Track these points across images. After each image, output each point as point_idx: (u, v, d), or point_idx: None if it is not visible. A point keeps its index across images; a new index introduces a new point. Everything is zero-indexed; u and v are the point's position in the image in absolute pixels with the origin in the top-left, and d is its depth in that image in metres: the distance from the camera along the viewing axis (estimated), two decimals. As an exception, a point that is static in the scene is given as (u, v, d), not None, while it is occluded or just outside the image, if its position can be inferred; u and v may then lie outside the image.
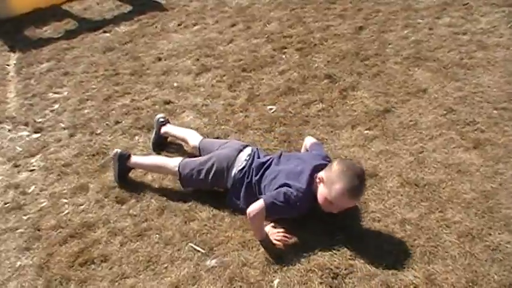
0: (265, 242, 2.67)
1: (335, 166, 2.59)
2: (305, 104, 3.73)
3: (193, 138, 3.31)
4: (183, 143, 3.47)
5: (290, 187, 2.64)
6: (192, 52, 4.70)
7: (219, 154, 3.04)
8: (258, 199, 2.71)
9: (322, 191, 2.61)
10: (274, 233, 2.69)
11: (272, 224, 2.75)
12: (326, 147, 3.23)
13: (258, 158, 2.95)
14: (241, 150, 3.01)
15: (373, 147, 3.24)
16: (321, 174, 2.63)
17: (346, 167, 2.57)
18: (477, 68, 3.86)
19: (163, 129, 3.48)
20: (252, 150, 3.01)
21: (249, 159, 2.94)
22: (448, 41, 4.25)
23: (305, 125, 3.51)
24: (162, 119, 3.53)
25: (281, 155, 2.95)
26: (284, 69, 4.20)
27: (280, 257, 2.62)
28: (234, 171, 2.92)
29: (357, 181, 2.53)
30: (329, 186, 2.56)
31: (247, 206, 2.69)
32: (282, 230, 2.71)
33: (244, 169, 2.90)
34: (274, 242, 2.66)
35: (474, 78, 3.75)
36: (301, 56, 4.35)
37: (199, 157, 3.11)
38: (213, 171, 2.95)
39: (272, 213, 2.66)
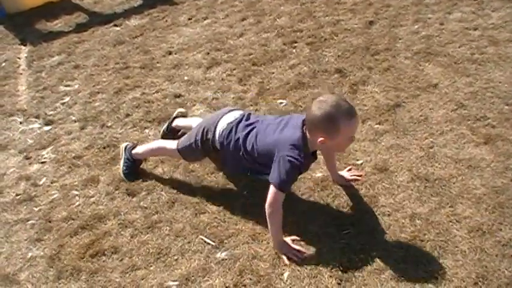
0: (279, 248, 2.62)
1: (316, 116, 2.44)
2: (315, 98, 3.71)
3: (196, 122, 3.28)
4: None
5: (290, 155, 2.51)
6: (202, 46, 4.71)
7: (209, 115, 3.05)
8: (245, 159, 2.70)
9: (333, 145, 2.53)
10: (290, 248, 2.62)
11: (293, 238, 2.68)
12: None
13: (248, 117, 2.86)
14: (231, 111, 2.95)
15: (384, 142, 3.24)
16: (314, 137, 2.50)
17: (324, 109, 2.42)
18: (488, 63, 3.84)
19: (175, 122, 3.50)
20: (243, 111, 2.94)
21: (239, 117, 2.86)
22: (459, 36, 4.23)
23: (315, 119, 3.51)
24: (180, 113, 3.55)
25: (267, 117, 2.89)
26: (294, 63, 4.20)
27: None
28: (221, 125, 2.83)
29: (341, 103, 2.44)
30: (333, 136, 2.44)
31: (235, 168, 2.72)
32: (298, 247, 2.62)
33: (232, 124, 2.81)
34: (289, 255, 2.59)
35: (485, 74, 3.73)
36: (312, 50, 4.35)
37: None
38: (201, 131, 2.89)
39: (286, 188, 2.55)
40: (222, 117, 2.88)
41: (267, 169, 2.58)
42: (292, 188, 2.93)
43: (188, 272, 2.60)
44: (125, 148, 3.32)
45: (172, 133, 3.51)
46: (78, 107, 4.10)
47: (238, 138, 2.75)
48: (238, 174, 3.10)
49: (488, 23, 4.35)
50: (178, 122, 3.49)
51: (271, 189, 2.55)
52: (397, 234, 2.63)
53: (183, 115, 3.59)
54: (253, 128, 2.75)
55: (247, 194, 3.01)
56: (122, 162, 3.30)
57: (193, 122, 3.35)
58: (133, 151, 3.28)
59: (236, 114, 2.89)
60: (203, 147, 2.91)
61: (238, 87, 4.01)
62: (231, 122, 2.83)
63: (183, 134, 3.33)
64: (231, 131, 2.79)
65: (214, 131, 2.84)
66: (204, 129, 2.89)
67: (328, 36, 4.51)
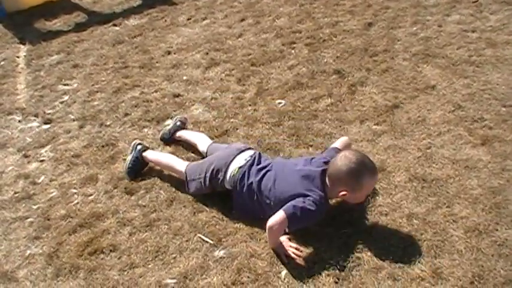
0: (277, 249, 2.63)
1: (341, 171, 2.55)
2: (314, 98, 3.74)
3: (202, 144, 3.29)
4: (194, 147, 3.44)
5: (307, 195, 2.57)
6: (201, 46, 4.72)
7: (220, 153, 3.04)
8: (259, 203, 2.74)
9: (353, 198, 2.62)
10: (288, 246, 2.63)
11: (288, 236, 2.69)
12: (335, 141, 3.23)
13: (259, 161, 2.89)
14: (242, 151, 2.98)
15: (381, 142, 3.26)
16: (336, 188, 2.59)
17: (350, 164, 2.53)
18: (486, 65, 3.86)
19: (178, 134, 3.48)
20: (254, 152, 2.97)
21: (250, 159, 2.89)
22: (457, 38, 4.25)
23: (314, 120, 3.52)
24: (179, 123, 3.52)
25: (284, 160, 2.96)
26: (293, 64, 4.22)
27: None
28: (232, 169, 2.87)
29: (366, 162, 2.57)
30: (355, 190, 2.56)
31: (243, 211, 2.79)
32: (295, 245, 2.64)
33: (244, 168, 2.85)
34: (287, 253, 2.60)
35: (483, 76, 3.75)
36: (310, 51, 4.36)
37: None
38: (211, 169, 2.92)
39: (293, 224, 2.58)
40: (233, 159, 2.91)
41: None
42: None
43: (186, 270, 2.61)
44: (136, 147, 3.31)
45: (172, 142, 3.50)
46: (77, 106, 4.11)
47: (251, 183, 2.78)
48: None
49: (486, 25, 4.37)
50: (181, 135, 3.48)
51: (281, 213, 2.54)
52: (395, 234, 2.65)
53: (185, 125, 3.55)
54: (267, 171, 2.79)
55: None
56: (129, 158, 3.30)
57: (197, 139, 3.35)
58: (144, 154, 3.29)
59: (246, 156, 2.92)
60: (211, 184, 2.94)
61: (237, 87, 4.02)
62: (242, 166, 2.86)
63: (186, 145, 3.38)
64: (243, 176, 2.82)
65: (225, 174, 2.88)
66: (214, 169, 2.92)
67: (326, 37, 4.52)
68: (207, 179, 2.92)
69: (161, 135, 3.55)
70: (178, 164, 3.15)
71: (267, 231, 2.60)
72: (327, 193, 2.64)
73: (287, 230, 2.62)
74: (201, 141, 3.32)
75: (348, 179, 2.53)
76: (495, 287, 2.33)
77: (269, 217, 2.57)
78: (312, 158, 2.81)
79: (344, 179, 2.54)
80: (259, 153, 2.97)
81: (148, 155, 3.29)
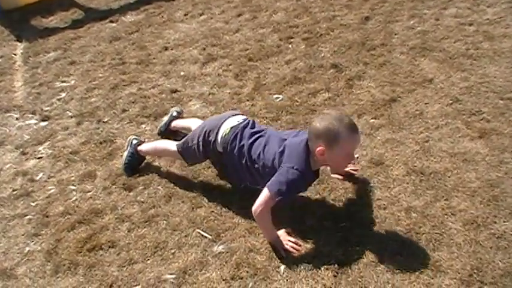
0: (275, 244, 2.63)
1: (318, 128, 2.49)
2: (311, 93, 3.74)
3: (196, 125, 3.29)
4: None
5: (291, 165, 2.54)
6: (199, 42, 4.71)
7: (212, 117, 3.06)
8: (247, 167, 2.71)
9: (332, 159, 2.54)
10: (286, 240, 2.63)
11: (286, 230, 2.69)
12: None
13: (253, 126, 2.86)
14: (235, 115, 2.95)
15: (379, 136, 3.26)
16: (314, 148, 2.52)
17: (326, 121, 2.47)
18: (483, 58, 3.86)
19: (173, 124, 3.50)
20: (247, 118, 2.93)
21: (243, 122, 2.86)
22: (454, 32, 4.24)
23: (311, 114, 3.52)
24: (175, 113, 3.55)
25: (275, 130, 2.90)
26: (290, 58, 4.21)
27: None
28: (224, 128, 2.83)
29: (344, 118, 2.50)
30: (332, 147, 2.46)
31: (232, 176, 2.77)
32: (294, 239, 2.64)
33: (237, 129, 2.80)
34: (285, 248, 2.60)
35: (480, 69, 3.75)
36: (308, 45, 4.36)
37: None
38: (203, 132, 2.89)
39: (283, 197, 2.53)
40: (225, 120, 2.88)
41: (266, 181, 2.59)
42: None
43: (185, 265, 2.62)
44: (131, 142, 3.32)
45: (168, 133, 3.51)
46: (74, 102, 4.10)
47: (243, 146, 2.75)
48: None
49: (483, 18, 4.37)
50: (176, 124, 3.49)
51: (264, 193, 2.55)
52: (393, 227, 2.65)
53: (180, 115, 3.58)
54: (260, 137, 2.77)
55: (243, 188, 3.01)
56: (125, 154, 3.30)
57: (192, 123, 3.35)
58: (139, 148, 3.29)
59: (240, 119, 2.90)
60: (204, 149, 2.91)
61: (235, 83, 4.02)
62: (235, 126, 2.83)
63: (182, 133, 3.34)
64: (235, 136, 2.79)
65: (217, 134, 2.84)
66: (206, 131, 2.89)
67: (324, 32, 4.52)
68: (200, 143, 2.90)
69: (158, 129, 3.55)
70: (173, 145, 3.12)
71: (256, 219, 2.61)
72: (310, 161, 2.58)
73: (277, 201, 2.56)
74: (195, 123, 3.28)
75: (324, 134, 2.46)
76: (493, 279, 2.33)
77: (252, 183, 2.65)
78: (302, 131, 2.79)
79: (321, 134, 2.47)
80: (253, 121, 2.95)
81: (143, 147, 3.28)
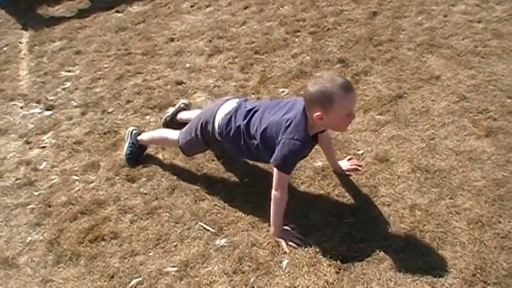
0: (278, 237, 2.62)
1: (311, 93, 2.41)
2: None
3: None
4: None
5: (290, 136, 2.49)
6: (205, 33, 4.68)
7: (207, 107, 3.04)
8: (247, 146, 2.70)
9: (331, 122, 2.48)
10: (289, 235, 2.62)
11: (289, 225, 2.68)
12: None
13: (246, 105, 2.83)
14: (228, 100, 2.92)
15: (385, 132, 3.24)
16: (312, 114, 2.45)
17: (318, 85, 2.39)
18: (491, 56, 3.82)
19: (179, 115, 3.48)
20: (240, 100, 2.90)
21: (236, 105, 2.83)
22: (463, 29, 4.20)
23: (317, 109, 3.50)
24: (183, 105, 3.53)
25: (270, 101, 2.87)
26: (297, 52, 4.19)
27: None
28: (219, 117, 2.81)
29: (336, 78, 2.41)
30: (328, 110, 2.39)
31: (236, 156, 2.78)
32: (297, 234, 2.63)
33: (230, 114, 2.78)
34: (288, 242, 2.60)
35: (488, 67, 3.72)
36: (314, 39, 4.33)
37: None
38: (200, 124, 2.88)
39: (288, 169, 2.54)
40: (219, 108, 2.86)
41: (269, 156, 2.56)
42: (292, 177, 2.94)
43: (187, 258, 2.61)
44: (131, 132, 3.32)
45: (173, 124, 3.49)
46: (79, 92, 4.09)
47: (239, 126, 2.72)
48: (239, 163, 3.10)
49: (492, 15, 4.33)
50: (182, 115, 3.48)
51: (275, 172, 2.55)
52: (397, 225, 2.63)
53: (187, 107, 3.56)
54: (255, 112, 2.72)
55: (247, 182, 3.01)
56: (126, 145, 3.29)
57: (194, 114, 3.33)
58: (139, 137, 3.29)
59: (233, 103, 2.86)
60: (204, 140, 2.90)
61: (240, 76, 4.00)
62: (229, 113, 2.80)
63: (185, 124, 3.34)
64: (229, 120, 2.77)
65: (213, 123, 2.83)
66: (202, 122, 2.88)
67: (331, 26, 4.48)
68: (199, 135, 2.89)
69: (163, 120, 3.53)
70: (172, 134, 3.12)
71: (272, 200, 2.59)
72: (308, 128, 2.52)
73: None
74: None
75: (318, 98, 2.38)
76: (497, 279, 2.31)
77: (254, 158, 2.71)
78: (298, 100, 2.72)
79: (315, 100, 2.39)
80: (246, 99, 2.94)
81: (143, 136, 3.28)
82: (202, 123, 2.87)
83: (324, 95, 2.35)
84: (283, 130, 2.53)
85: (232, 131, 2.75)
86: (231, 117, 2.77)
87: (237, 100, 2.90)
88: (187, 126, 3.04)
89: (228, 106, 2.84)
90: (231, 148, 2.85)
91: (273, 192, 2.58)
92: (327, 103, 2.36)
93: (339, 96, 2.35)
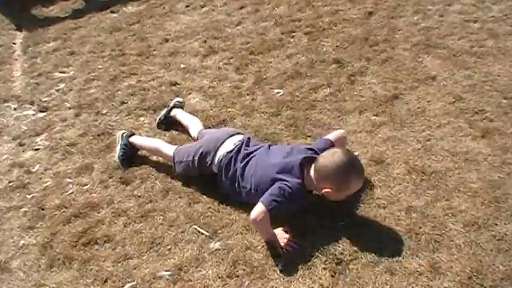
0: (272, 242, 2.60)
1: (328, 170, 2.51)
2: (312, 88, 3.69)
3: (194, 129, 3.28)
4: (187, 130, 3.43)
5: (284, 181, 2.57)
6: (200, 34, 4.66)
7: (209, 136, 3.04)
8: (240, 189, 2.75)
9: (335, 196, 2.58)
10: (283, 238, 2.60)
11: (283, 228, 2.66)
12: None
13: (247, 146, 2.88)
14: (232, 135, 2.96)
15: (381, 134, 3.22)
16: (320, 185, 2.56)
17: (337, 165, 2.49)
18: (487, 56, 3.81)
19: (173, 112, 3.48)
20: (243, 138, 2.95)
21: (239, 144, 2.88)
22: (459, 29, 4.19)
23: (312, 110, 3.48)
24: (177, 102, 3.55)
25: (270, 146, 2.89)
26: (292, 53, 4.16)
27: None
28: (220, 153, 2.86)
29: (355, 163, 2.55)
30: (340, 190, 2.53)
31: (231, 191, 2.80)
32: (291, 236, 2.61)
33: (232, 153, 2.84)
34: (282, 245, 2.57)
35: (484, 67, 3.70)
36: (310, 40, 4.31)
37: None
38: (199, 152, 2.91)
39: (274, 210, 2.54)
40: (222, 143, 2.90)
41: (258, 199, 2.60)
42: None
43: (181, 262, 2.59)
44: (122, 135, 3.30)
45: (168, 122, 3.48)
46: (73, 93, 4.06)
47: (236, 170, 2.78)
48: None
49: (488, 15, 4.31)
50: (177, 114, 3.47)
51: (259, 205, 2.54)
52: (393, 227, 2.62)
53: (181, 105, 3.56)
54: (251, 158, 2.78)
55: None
56: (118, 147, 3.27)
57: (191, 122, 3.36)
58: (131, 139, 3.26)
59: (235, 141, 2.90)
60: (199, 168, 2.93)
61: (235, 76, 3.97)
62: (231, 151, 2.85)
63: (179, 129, 3.32)
64: (230, 161, 2.82)
65: (213, 157, 2.87)
66: (202, 152, 2.90)
67: (326, 26, 4.46)
68: (195, 162, 2.91)
69: (158, 119, 3.52)
70: (166, 147, 3.14)
71: (253, 224, 2.61)
72: (304, 180, 2.60)
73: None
74: (193, 125, 3.32)
75: (336, 178, 2.50)
76: (494, 282, 2.30)
77: (246, 201, 2.68)
78: (297, 146, 2.82)
79: (332, 178, 2.50)
80: (249, 138, 2.96)
81: (135, 140, 3.27)
82: (202, 153, 2.90)
83: (343, 178, 2.51)
84: (280, 175, 2.60)
85: (229, 174, 2.80)
86: (231, 158, 2.82)
87: (240, 138, 2.94)
88: (185, 147, 3.06)
89: (231, 144, 2.89)
90: (226, 185, 2.85)
91: (251, 218, 2.56)
92: (342, 186, 2.53)
93: (354, 183, 2.54)
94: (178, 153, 3.02)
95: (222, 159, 2.84)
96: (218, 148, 2.88)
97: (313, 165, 2.59)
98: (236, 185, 2.78)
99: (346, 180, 2.50)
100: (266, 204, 2.53)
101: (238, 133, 3.02)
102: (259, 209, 2.53)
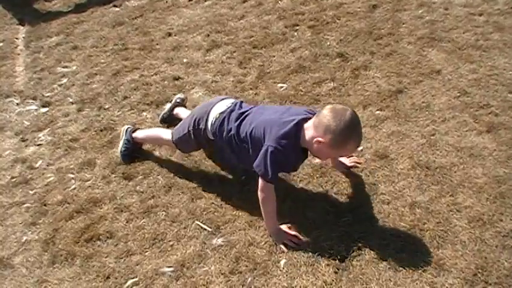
0: (275, 237, 2.58)
1: (330, 124, 2.37)
2: (316, 82, 3.67)
3: None
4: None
5: (275, 145, 2.45)
6: (203, 28, 4.63)
7: (201, 105, 3.02)
8: (239, 150, 2.68)
9: (326, 152, 2.49)
10: (287, 234, 2.58)
11: (287, 225, 2.63)
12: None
13: (240, 106, 2.80)
14: (223, 99, 2.89)
15: (385, 128, 3.19)
16: (314, 134, 2.44)
17: (341, 122, 2.36)
18: (493, 50, 3.77)
19: (176, 110, 3.46)
20: (235, 100, 2.87)
21: (231, 106, 2.79)
22: (464, 22, 4.15)
23: (316, 104, 3.45)
24: (179, 100, 3.51)
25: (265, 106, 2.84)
26: (295, 46, 4.13)
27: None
28: (213, 115, 2.78)
29: (357, 126, 2.43)
30: (333, 146, 2.40)
31: (228, 160, 2.78)
32: (295, 233, 2.58)
33: (224, 114, 2.74)
34: (285, 242, 2.55)
35: (489, 61, 3.66)
36: (313, 33, 4.27)
37: None
38: (193, 120, 2.86)
39: (274, 178, 2.47)
40: (213, 106, 2.83)
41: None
42: (291, 174, 2.90)
43: (184, 258, 2.58)
44: (126, 130, 3.29)
45: (171, 120, 3.46)
46: (75, 88, 4.05)
47: (231, 129, 2.69)
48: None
49: (494, 8, 4.27)
50: (179, 111, 3.44)
51: (260, 182, 2.52)
52: (397, 223, 2.59)
53: (183, 102, 3.54)
54: (247, 115, 2.69)
55: (244, 180, 2.96)
56: (121, 142, 3.26)
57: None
58: (134, 134, 3.25)
59: (228, 103, 2.83)
60: (196, 138, 2.87)
61: (238, 70, 3.95)
62: (223, 112, 2.77)
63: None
64: (223, 121, 2.73)
65: (206, 121, 2.80)
66: (195, 119, 2.85)
67: (330, 20, 4.43)
68: (191, 132, 2.87)
69: (161, 117, 3.50)
70: (165, 133, 3.12)
71: (260, 203, 2.56)
72: (299, 140, 2.50)
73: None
74: None
75: (334, 134, 2.37)
76: (498, 279, 2.28)
77: (248, 164, 2.59)
78: (295, 107, 2.77)
79: (332, 132, 2.37)
80: (241, 101, 2.89)
81: (138, 134, 3.26)
82: (195, 120, 2.84)
83: (343, 135, 2.38)
84: (271, 135, 2.48)
85: (224, 134, 2.72)
86: (224, 118, 2.74)
87: (232, 100, 2.87)
88: (181, 122, 3.03)
89: (223, 105, 2.81)
90: (223, 150, 2.81)
91: (259, 195, 2.55)
92: (340, 143, 2.41)
93: (352, 144, 2.45)
94: (176, 132, 2.99)
95: (215, 121, 2.76)
96: (210, 111, 2.80)
97: (315, 116, 2.49)
98: (234, 144, 2.69)
99: (347, 139, 2.40)
100: (262, 174, 2.48)
101: (230, 97, 2.96)
102: (260, 184, 2.51)
